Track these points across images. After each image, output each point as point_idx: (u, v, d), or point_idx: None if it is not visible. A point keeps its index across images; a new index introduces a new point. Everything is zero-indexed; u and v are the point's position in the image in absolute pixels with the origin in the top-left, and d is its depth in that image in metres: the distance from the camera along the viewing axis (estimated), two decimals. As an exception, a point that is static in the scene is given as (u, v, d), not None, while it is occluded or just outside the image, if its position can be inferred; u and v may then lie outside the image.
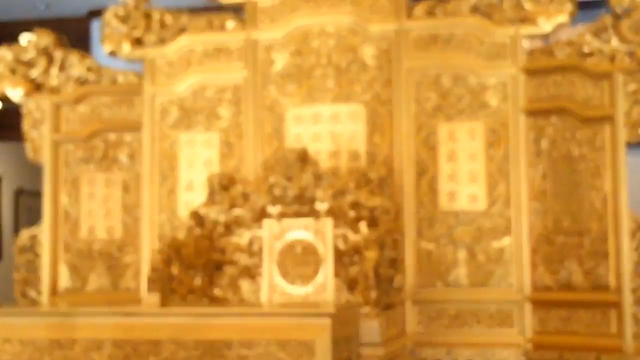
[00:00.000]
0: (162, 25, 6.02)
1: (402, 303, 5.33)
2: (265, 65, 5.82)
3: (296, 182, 5.09)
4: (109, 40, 6.02)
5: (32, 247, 5.98)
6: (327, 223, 4.73)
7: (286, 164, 5.14)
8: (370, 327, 4.36)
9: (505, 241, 5.44)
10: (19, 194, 13.62)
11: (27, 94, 5.96)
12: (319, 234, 4.70)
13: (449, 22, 5.63)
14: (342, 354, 3.28)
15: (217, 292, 5.08)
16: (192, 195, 5.74)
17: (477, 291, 5.44)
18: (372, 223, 4.93)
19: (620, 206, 5.08)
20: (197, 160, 5.88)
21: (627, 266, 5.03)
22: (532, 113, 5.48)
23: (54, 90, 5.98)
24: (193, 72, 5.92)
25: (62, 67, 6.01)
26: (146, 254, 5.74)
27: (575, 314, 5.22)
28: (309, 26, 5.75)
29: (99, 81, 6.02)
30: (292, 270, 4.71)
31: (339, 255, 4.74)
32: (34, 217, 11.12)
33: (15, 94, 5.98)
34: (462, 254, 5.47)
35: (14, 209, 13.59)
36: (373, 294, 4.54)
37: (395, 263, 5.05)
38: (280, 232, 4.77)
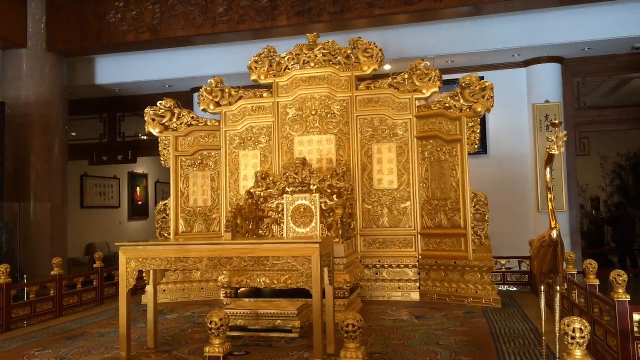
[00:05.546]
0: (230, 95, 5.99)
1: (355, 236, 5.41)
2: (283, 115, 5.82)
3: (300, 175, 5.15)
4: (202, 103, 6.00)
5: (164, 210, 5.94)
6: (316, 196, 4.76)
7: (294, 165, 5.21)
8: (339, 249, 4.45)
9: (407, 204, 5.50)
10: (156, 182, 13.58)
11: (161, 132, 5.94)
12: (312, 201, 4.71)
13: (377, 91, 5.66)
14: (324, 263, 3.30)
15: (260, 232, 5.14)
16: (247, 182, 5.74)
17: (393, 230, 5.50)
18: (339, 195, 5.00)
19: (465, 185, 5.15)
20: (249, 165, 5.87)
21: (468, 215, 5.11)
22: (420, 138, 5.52)
23: (174, 129, 5.95)
24: (246, 119, 5.92)
25: (178, 117, 5.97)
26: (224, 212, 5.76)
27: (443, 240, 5.30)
28: (305, 95, 5.77)
29: (198, 124, 5.99)
30: (299, 220, 4.71)
31: (322, 212, 4.78)
32: (165, 195, 11.04)
33: (155, 131, 5.97)
34: (385, 211, 5.53)
35: (154, 191, 13.56)
36: (340, 232, 4.64)
37: (352, 216, 5.13)
38: (292, 201, 4.78)
